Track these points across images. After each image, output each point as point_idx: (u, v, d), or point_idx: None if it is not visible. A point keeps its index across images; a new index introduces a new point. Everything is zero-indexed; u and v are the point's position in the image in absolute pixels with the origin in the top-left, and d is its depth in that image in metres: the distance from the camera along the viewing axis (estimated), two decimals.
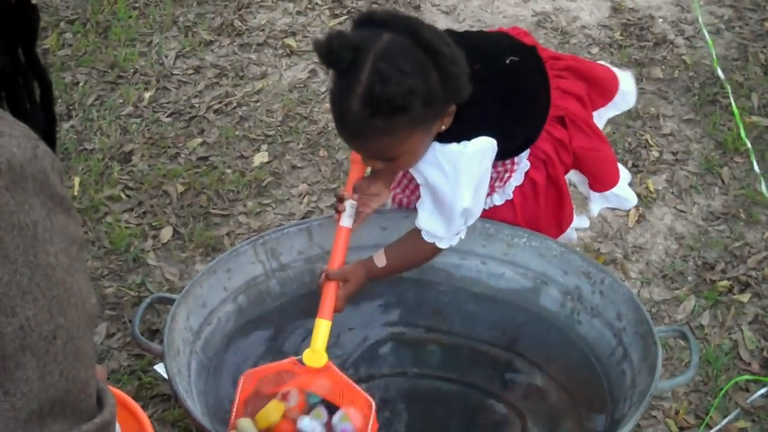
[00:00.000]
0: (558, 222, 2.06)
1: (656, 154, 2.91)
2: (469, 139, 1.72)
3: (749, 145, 2.73)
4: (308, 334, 1.78)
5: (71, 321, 0.79)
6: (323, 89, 3.19)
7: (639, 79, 3.22)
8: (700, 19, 3.27)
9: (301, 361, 1.73)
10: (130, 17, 3.54)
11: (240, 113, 3.09)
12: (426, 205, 1.82)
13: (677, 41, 3.45)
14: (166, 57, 3.34)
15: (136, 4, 3.64)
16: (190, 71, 3.29)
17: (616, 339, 1.87)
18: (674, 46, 3.42)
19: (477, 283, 2.06)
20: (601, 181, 2.05)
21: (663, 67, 3.31)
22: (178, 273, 2.51)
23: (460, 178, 1.73)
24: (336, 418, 1.70)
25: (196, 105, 3.12)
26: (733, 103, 2.81)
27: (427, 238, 1.84)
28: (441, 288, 2.07)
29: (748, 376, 2.24)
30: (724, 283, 2.48)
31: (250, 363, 1.89)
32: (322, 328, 1.75)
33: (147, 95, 3.15)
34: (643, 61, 3.33)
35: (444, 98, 1.62)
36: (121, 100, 3.14)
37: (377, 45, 1.56)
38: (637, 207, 2.66)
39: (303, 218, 2.65)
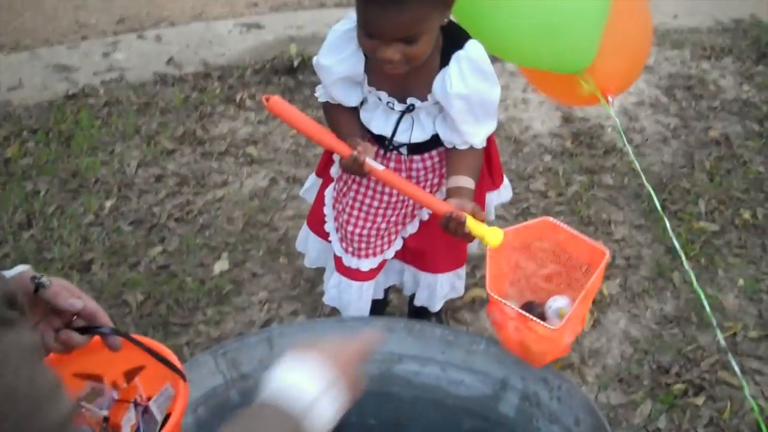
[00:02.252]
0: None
1: (609, 259, 2.98)
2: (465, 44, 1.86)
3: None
4: None
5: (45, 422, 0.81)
6: (284, 197, 3.24)
7: (590, 186, 3.33)
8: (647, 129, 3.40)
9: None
10: (93, 127, 3.60)
11: (201, 221, 3.12)
12: (472, 119, 1.91)
13: (626, 149, 3.58)
14: (128, 166, 3.39)
15: (99, 114, 3.70)
16: (152, 180, 3.33)
17: None
18: (623, 154, 3.55)
19: (437, 391, 2.07)
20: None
21: (613, 174, 3.42)
22: None
23: (490, 72, 1.88)
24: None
25: (157, 213, 3.14)
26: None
27: (482, 146, 1.98)
28: (401, 396, 2.08)
29: None
30: (679, 386, 2.52)
31: None
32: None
33: (108, 204, 3.18)
34: (594, 168, 3.44)
35: None
36: (82, 209, 3.16)
37: None
38: (591, 311, 2.72)
39: (263, 326, 2.66)
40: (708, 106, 3.93)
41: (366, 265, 2.24)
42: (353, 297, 2.29)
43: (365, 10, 1.69)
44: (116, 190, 3.26)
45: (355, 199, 2.17)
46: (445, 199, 1.88)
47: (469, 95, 1.85)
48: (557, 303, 1.89)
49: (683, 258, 1.98)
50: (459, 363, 2.05)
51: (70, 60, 4.08)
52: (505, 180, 2.38)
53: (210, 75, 4.03)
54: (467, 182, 1.93)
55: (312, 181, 2.39)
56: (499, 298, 1.77)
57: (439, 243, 2.24)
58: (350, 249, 2.23)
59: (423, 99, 1.93)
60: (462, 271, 2.40)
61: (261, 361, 2.04)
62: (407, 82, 1.91)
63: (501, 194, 2.39)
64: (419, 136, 2.00)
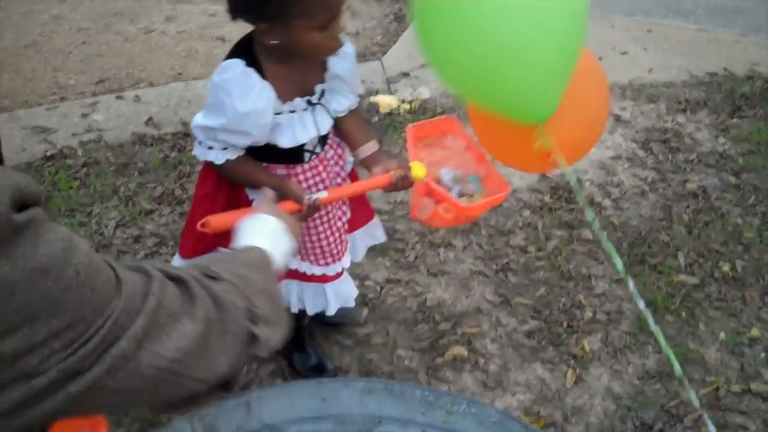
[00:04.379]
0: None
1: (590, 314, 2.98)
2: None
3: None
4: None
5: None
6: None
7: (570, 241, 3.34)
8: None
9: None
10: (71, 188, 3.58)
11: None
12: (351, 73, 2.09)
13: (604, 203, 3.60)
14: (106, 227, 3.37)
15: (77, 175, 3.69)
16: (130, 240, 3.31)
17: None
18: (602, 207, 3.57)
19: None
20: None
21: (592, 228, 3.43)
22: None
23: None
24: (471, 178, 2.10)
25: None
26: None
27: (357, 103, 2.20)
28: None
29: None
30: None
31: None
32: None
33: None
34: (572, 223, 3.45)
35: None
36: None
37: None
38: (574, 368, 2.71)
39: (242, 389, 2.62)
40: (685, 159, 3.97)
41: (317, 270, 2.35)
42: (311, 298, 2.43)
43: None
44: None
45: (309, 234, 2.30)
46: (370, 169, 2.13)
47: (351, 53, 2.07)
48: (446, 174, 2.11)
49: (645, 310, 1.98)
50: (440, 424, 2.02)
51: (49, 121, 4.08)
52: (376, 218, 2.56)
53: (189, 135, 4.04)
54: (373, 146, 2.16)
55: None
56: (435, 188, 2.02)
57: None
58: (316, 258, 2.34)
59: (322, 81, 2.07)
60: (376, 219, 2.57)
61: (239, 427, 2.01)
62: (305, 78, 2.04)
63: (374, 235, 2.57)
64: (329, 121, 2.13)
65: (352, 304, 2.49)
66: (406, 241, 3.32)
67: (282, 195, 1.97)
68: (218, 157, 1.99)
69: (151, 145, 3.95)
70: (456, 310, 2.98)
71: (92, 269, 0.86)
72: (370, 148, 2.19)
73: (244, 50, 1.94)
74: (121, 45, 5.14)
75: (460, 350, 2.79)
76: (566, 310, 3.00)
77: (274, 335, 1.13)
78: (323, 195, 1.99)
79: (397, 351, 2.79)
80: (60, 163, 3.77)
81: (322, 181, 2.20)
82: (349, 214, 2.39)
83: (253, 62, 1.91)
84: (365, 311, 2.96)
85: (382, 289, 3.07)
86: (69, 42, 5.17)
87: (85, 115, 4.16)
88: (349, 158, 2.31)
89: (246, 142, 1.97)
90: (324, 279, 2.36)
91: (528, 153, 1.93)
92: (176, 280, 0.99)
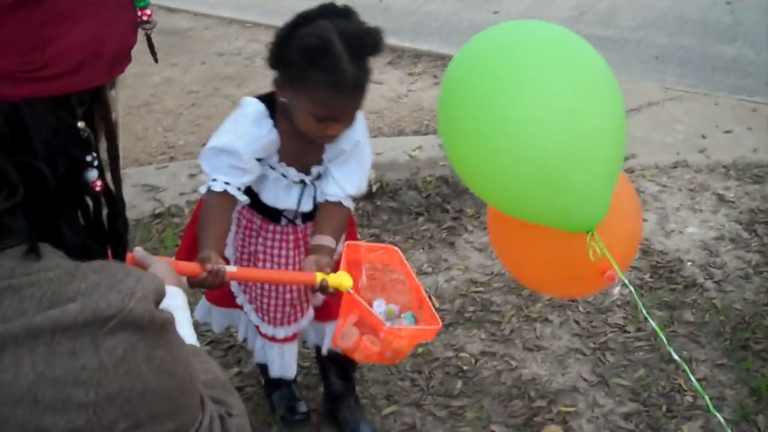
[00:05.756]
0: None
1: (690, 399, 2.90)
2: None
3: None
4: None
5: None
6: None
7: (670, 322, 3.27)
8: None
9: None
10: (176, 246, 3.69)
11: None
12: (354, 172, 2.11)
13: (707, 285, 3.52)
14: None
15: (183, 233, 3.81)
16: None
17: None
18: (704, 289, 3.49)
19: None
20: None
21: (693, 310, 3.36)
22: None
23: (366, 130, 2.15)
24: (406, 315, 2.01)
25: (234, 334, 3.18)
26: None
27: (348, 203, 2.15)
28: None
29: None
30: None
31: None
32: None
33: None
34: (674, 304, 3.38)
35: None
36: None
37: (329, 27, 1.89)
38: None
39: None
40: None
41: (281, 333, 2.38)
42: (275, 356, 2.44)
43: (332, 99, 1.90)
44: None
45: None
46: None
47: (359, 141, 2.09)
48: (379, 307, 2.02)
49: None
50: None
51: (158, 180, 4.24)
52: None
53: None
54: (329, 241, 2.09)
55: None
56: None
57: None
58: (266, 318, 2.36)
59: (320, 164, 2.13)
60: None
61: None
62: (307, 153, 2.11)
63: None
64: (312, 203, 2.18)
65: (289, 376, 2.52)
66: (502, 313, 3.31)
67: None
68: (216, 186, 2.02)
69: None
70: (552, 387, 2.95)
71: (196, 378, 0.93)
72: (323, 240, 2.09)
73: (269, 97, 2.07)
74: (228, 108, 5.31)
75: (556, 429, 2.75)
76: (665, 393, 2.93)
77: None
78: (232, 269, 1.90)
79: (491, 426, 2.77)
80: (167, 221, 3.90)
81: (287, 251, 2.27)
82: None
83: (271, 109, 2.05)
84: (459, 383, 2.95)
85: (476, 361, 3.06)
86: (179, 104, 5.38)
87: (192, 176, 4.30)
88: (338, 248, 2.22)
89: (240, 174, 2.02)
90: (273, 339, 2.41)
91: (577, 270, 1.83)
92: (220, 417, 1.03)
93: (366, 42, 1.91)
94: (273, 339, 2.40)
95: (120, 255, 1.04)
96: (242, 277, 2.05)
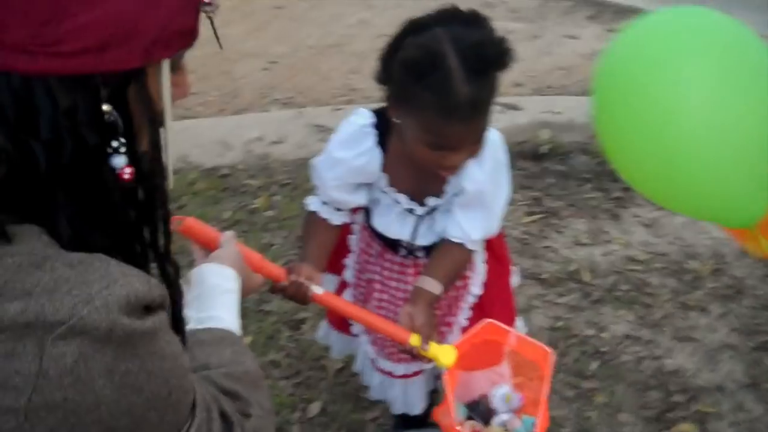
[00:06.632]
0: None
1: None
2: None
3: None
4: None
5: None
6: None
7: None
8: None
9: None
10: None
11: None
12: (478, 219, 1.81)
13: None
14: None
15: None
16: None
17: None
18: None
19: None
20: None
21: None
22: None
23: (504, 164, 1.80)
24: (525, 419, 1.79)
25: None
26: None
27: (473, 247, 1.85)
28: None
29: None
30: None
31: None
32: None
33: None
34: None
35: None
36: None
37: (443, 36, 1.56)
38: None
39: None
40: None
41: (400, 369, 2.11)
42: (397, 393, 2.19)
43: (442, 125, 1.57)
44: None
45: (380, 306, 2.04)
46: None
47: (483, 191, 1.77)
48: (501, 390, 1.82)
49: None
50: None
51: (331, 121, 4.28)
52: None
53: None
54: (433, 286, 1.81)
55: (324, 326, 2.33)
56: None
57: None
58: (384, 352, 2.10)
59: (440, 195, 1.83)
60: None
61: None
62: (425, 182, 1.80)
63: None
64: (432, 237, 1.89)
65: (414, 412, 2.23)
66: (655, 296, 3.10)
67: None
68: (311, 202, 1.90)
69: None
70: (695, 383, 2.73)
71: (182, 391, 0.87)
72: (428, 284, 1.81)
73: (383, 112, 1.74)
74: None
75: (690, 429, 2.55)
76: None
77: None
78: (318, 290, 1.71)
79: (619, 415, 2.60)
80: None
81: (405, 285, 1.98)
82: (451, 334, 2.07)
83: (382, 126, 1.76)
84: (594, 365, 2.79)
85: (618, 344, 2.88)
86: (369, 47, 5.39)
87: None
88: (475, 290, 2.03)
89: (341, 191, 1.83)
90: (391, 375, 2.15)
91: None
92: (225, 419, 1.00)
93: (487, 55, 1.54)
94: (391, 375, 2.14)
95: (153, 247, 0.98)
96: (328, 303, 1.75)
